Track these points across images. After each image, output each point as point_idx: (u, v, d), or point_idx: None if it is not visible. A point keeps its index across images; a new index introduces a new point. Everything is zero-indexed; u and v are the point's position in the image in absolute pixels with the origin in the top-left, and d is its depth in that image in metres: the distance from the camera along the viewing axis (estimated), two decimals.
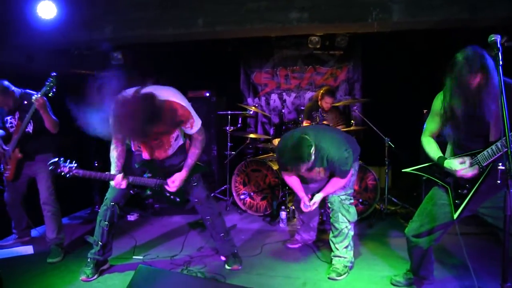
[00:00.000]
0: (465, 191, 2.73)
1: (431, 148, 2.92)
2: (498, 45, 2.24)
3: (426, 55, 5.82)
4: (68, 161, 3.38)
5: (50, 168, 3.32)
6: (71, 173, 3.34)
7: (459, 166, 2.69)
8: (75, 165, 3.37)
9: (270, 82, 7.92)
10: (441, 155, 2.85)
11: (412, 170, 3.08)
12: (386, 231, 4.91)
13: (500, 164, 2.40)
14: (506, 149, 2.12)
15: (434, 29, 4.87)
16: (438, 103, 2.84)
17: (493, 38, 2.26)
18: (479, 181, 2.64)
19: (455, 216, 2.74)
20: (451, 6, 4.33)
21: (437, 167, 2.89)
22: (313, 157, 3.38)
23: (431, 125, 2.95)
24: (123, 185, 3.37)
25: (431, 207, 2.96)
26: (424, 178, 3.02)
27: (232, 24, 4.85)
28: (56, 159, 3.34)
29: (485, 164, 2.61)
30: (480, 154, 2.63)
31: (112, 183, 3.40)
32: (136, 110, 2.85)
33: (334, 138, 3.65)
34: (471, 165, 2.67)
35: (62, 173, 3.34)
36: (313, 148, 3.37)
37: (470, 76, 2.46)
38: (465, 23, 4.48)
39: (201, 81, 6.97)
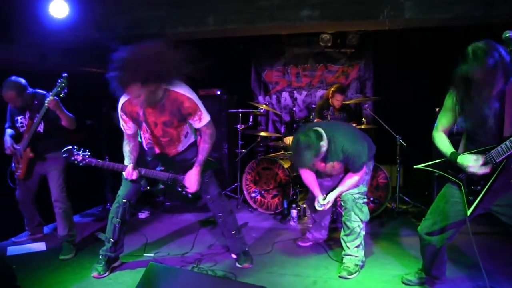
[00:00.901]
0: (478, 188, 2.69)
1: (444, 144, 2.87)
2: None
3: (439, 52, 5.77)
4: (82, 149, 3.40)
5: (64, 156, 3.35)
6: (84, 162, 3.37)
7: (473, 162, 2.65)
8: (89, 153, 3.40)
9: (281, 80, 7.90)
10: (454, 150, 2.80)
11: (424, 166, 3.05)
12: (398, 230, 4.87)
13: None
14: None
15: (447, 26, 4.83)
16: (450, 98, 2.80)
17: (507, 35, 2.24)
18: (493, 178, 2.61)
19: (468, 212, 2.71)
20: (464, 2, 4.28)
21: (449, 163, 2.85)
22: (324, 148, 3.40)
23: (444, 120, 2.91)
24: (134, 175, 3.39)
25: (443, 205, 2.93)
26: (436, 174, 2.99)
27: (243, 22, 4.84)
28: (70, 146, 3.37)
29: (498, 160, 2.57)
30: (494, 150, 2.59)
31: (124, 174, 3.44)
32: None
33: (349, 132, 3.67)
34: (485, 163, 2.63)
35: (76, 161, 3.36)
36: (324, 140, 3.41)
37: (486, 67, 2.40)
38: (478, 20, 4.43)
39: (212, 79, 6.97)
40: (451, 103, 2.80)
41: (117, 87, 3.00)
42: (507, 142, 2.50)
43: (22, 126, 4.12)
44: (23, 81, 4.01)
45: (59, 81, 3.83)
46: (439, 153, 2.91)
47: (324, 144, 3.41)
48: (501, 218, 2.74)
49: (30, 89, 4.09)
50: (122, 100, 3.31)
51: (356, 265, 3.66)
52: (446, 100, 2.86)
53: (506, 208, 2.68)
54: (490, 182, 2.63)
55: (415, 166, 3.13)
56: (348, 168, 3.66)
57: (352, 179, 3.65)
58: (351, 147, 3.49)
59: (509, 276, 3.44)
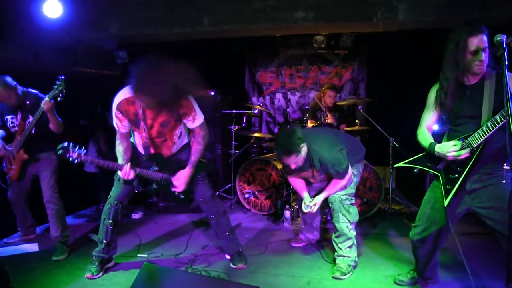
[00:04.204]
0: (456, 175, 2.69)
1: (424, 137, 2.90)
2: (504, 45, 2.24)
3: (432, 54, 5.79)
4: (78, 146, 3.36)
5: (59, 152, 3.28)
6: (79, 159, 3.31)
7: (451, 148, 2.66)
8: (84, 151, 3.35)
9: (275, 81, 7.92)
10: (433, 141, 2.83)
11: (404, 163, 3.06)
12: (390, 231, 4.90)
13: (506, 164, 2.39)
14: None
15: (441, 28, 4.85)
16: (432, 93, 2.86)
17: (499, 38, 2.26)
18: (471, 163, 2.60)
19: (446, 202, 2.68)
20: (457, 5, 4.31)
21: (427, 157, 2.88)
22: (303, 152, 3.45)
23: (427, 116, 2.95)
24: (131, 175, 3.36)
25: (429, 211, 2.95)
26: (415, 171, 2.99)
27: (238, 23, 4.85)
28: (66, 143, 3.31)
29: (476, 145, 2.58)
30: (471, 136, 2.60)
31: (118, 173, 3.42)
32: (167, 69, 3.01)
33: (326, 139, 3.68)
34: (462, 148, 2.63)
35: (71, 159, 3.30)
36: (303, 144, 3.44)
37: (471, 37, 2.58)
38: (473, 22, 4.45)
39: (206, 80, 6.97)
40: (433, 98, 2.85)
41: (133, 88, 3.03)
42: (484, 127, 2.51)
43: (13, 126, 4.08)
44: (8, 78, 3.91)
45: (56, 83, 3.78)
46: (422, 147, 2.94)
47: (303, 148, 3.45)
48: (486, 222, 2.71)
49: (20, 88, 4.04)
50: (119, 98, 3.25)
51: (349, 265, 3.67)
52: (428, 96, 2.93)
53: (490, 210, 2.66)
54: (467, 168, 2.61)
55: (394, 166, 3.16)
56: (331, 176, 3.69)
57: (338, 184, 3.69)
58: (328, 156, 3.53)
59: (503, 276, 3.46)
